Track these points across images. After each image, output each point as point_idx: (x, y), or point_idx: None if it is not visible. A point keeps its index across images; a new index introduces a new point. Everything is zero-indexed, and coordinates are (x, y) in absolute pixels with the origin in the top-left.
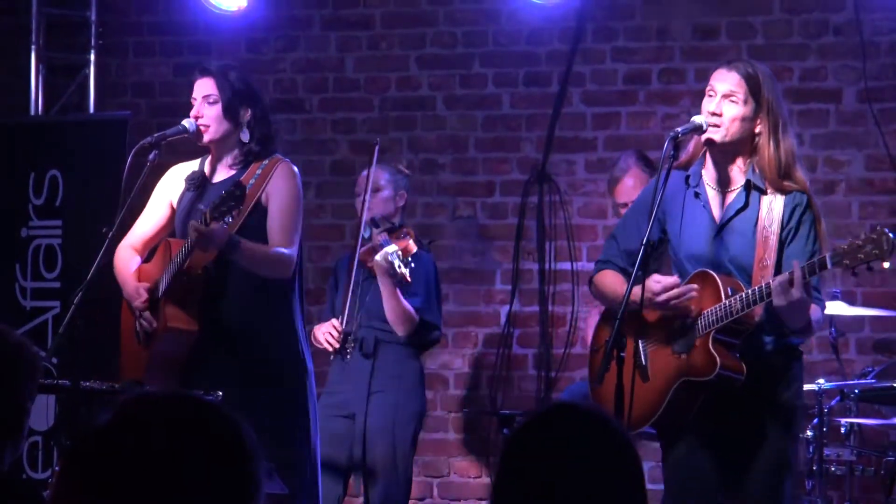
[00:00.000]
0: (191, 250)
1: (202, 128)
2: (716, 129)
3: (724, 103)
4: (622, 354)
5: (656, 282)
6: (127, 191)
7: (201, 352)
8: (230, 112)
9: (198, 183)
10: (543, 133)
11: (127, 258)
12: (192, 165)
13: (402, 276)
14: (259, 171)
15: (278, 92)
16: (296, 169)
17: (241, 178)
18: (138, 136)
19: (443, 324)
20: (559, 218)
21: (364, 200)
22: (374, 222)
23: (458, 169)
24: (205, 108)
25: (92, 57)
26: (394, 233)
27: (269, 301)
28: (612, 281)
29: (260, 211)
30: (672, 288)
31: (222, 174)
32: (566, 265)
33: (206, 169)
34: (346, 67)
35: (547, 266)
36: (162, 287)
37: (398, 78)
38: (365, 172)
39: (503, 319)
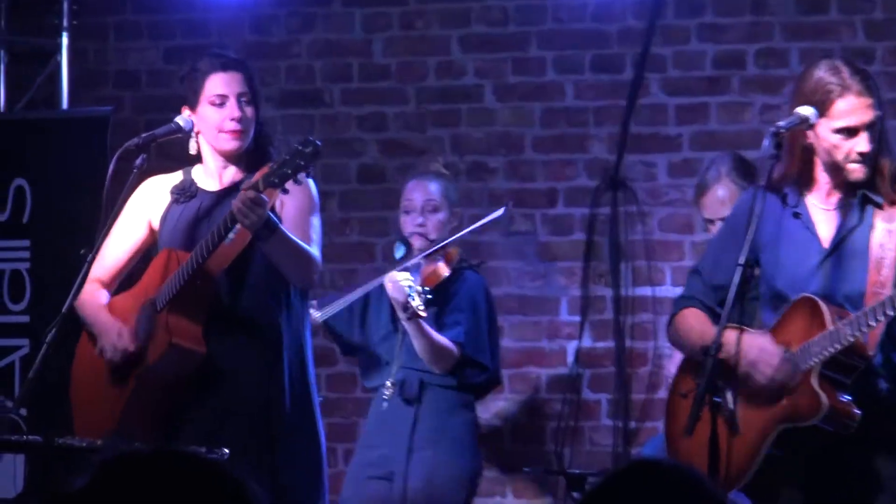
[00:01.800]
0: (219, 240)
1: (235, 133)
2: (859, 166)
3: (866, 137)
4: (717, 400)
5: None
6: (109, 203)
7: (197, 391)
8: (257, 114)
9: (191, 193)
10: (616, 129)
11: (92, 291)
12: (172, 178)
13: (414, 311)
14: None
15: (291, 82)
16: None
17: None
18: (122, 136)
19: (498, 357)
20: (636, 233)
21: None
22: (403, 240)
23: (512, 174)
24: (243, 107)
25: (64, 40)
26: (430, 253)
27: (286, 327)
28: (695, 323)
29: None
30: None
31: (222, 181)
32: (645, 291)
33: (197, 178)
34: (373, 51)
35: (622, 292)
36: (164, 297)
37: (437, 63)
38: (412, 183)
39: (570, 358)
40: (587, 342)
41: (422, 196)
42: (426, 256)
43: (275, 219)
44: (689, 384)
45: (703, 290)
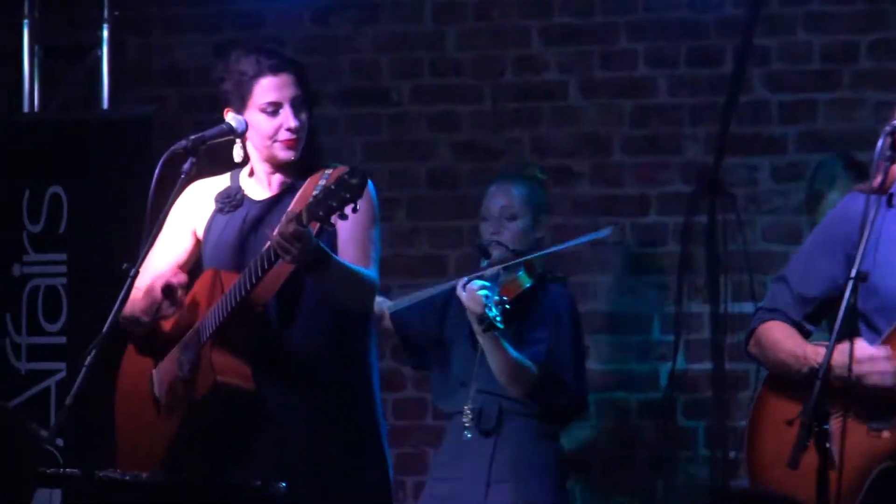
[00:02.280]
0: (267, 267)
1: (290, 142)
2: None
3: None
4: (826, 427)
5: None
6: (154, 213)
7: (251, 424)
8: (311, 116)
9: (236, 202)
10: (714, 129)
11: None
12: (218, 183)
13: (490, 322)
14: (322, 182)
15: (356, 78)
16: (369, 181)
17: (302, 194)
18: (168, 138)
19: (585, 378)
20: (736, 243)
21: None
22: (480, 248)
23: (599, 178)
24: (297, 114)
25: (105, 34)
26: (509, 265)
27: (344, 355)
28: (781, 337)
29: (327, 231)
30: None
31: (269, 191)
32: (746, 307)
33: (244, 185)
34: (446, 44)
35: (721, 309)
36: (208, 329)
37: (517, 57)
38: (493, 187)
39: (663, 381)
40: (682, 364)
41: (500, 202)
42: (505, 267)
43: (324, 249)
44: (779, 406)
45: (789, 303)
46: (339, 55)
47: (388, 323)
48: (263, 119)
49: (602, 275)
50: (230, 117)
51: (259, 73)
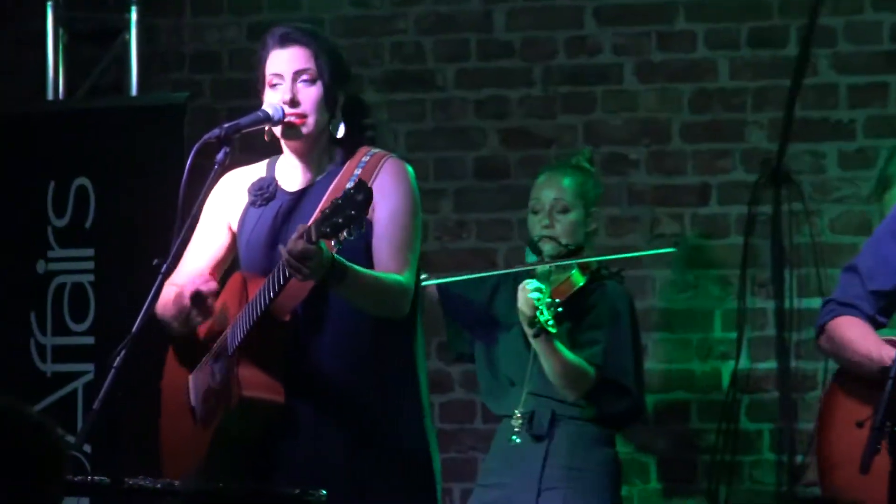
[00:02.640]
0: (284, 281)
1: (297, 118)
2: None
3: None
4: None
5: None
6: (186, 205)
7: (288, 432)
8: (330, 96)
9: (269, 194)
10: (778, 114)
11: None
12: (253, 172)
13: (542, 327)
14: (358, 171)
15: (398, 61)
16: (409, 168)
17: (336, 186)
18: (201, 127)
19: (643, 381)
20: (803, 235)
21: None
22: (532, 244)
23: (656, 167)
24: (301, 88)
25: (133, 16)
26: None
27: (382, 359)
28: (856, 336)
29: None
30: None
31: (304, 180)
32: (814, 303)
33: (279, 175)
34: (493, 25)
35: (787, 304)
36: (233, 340)
37: (568, 39)
38: (542, 178)
39: (725, 382)
40: (745, 363)
41: (551, 193)
42: (558, 265)
43: (341, 263)
44: (850, 406)
45: (861, 294)
46: (379, 37)
47: (433, 294)
48: (269, 94)
49: (659, 269)
50: (267, 104)
51: (270, 47)
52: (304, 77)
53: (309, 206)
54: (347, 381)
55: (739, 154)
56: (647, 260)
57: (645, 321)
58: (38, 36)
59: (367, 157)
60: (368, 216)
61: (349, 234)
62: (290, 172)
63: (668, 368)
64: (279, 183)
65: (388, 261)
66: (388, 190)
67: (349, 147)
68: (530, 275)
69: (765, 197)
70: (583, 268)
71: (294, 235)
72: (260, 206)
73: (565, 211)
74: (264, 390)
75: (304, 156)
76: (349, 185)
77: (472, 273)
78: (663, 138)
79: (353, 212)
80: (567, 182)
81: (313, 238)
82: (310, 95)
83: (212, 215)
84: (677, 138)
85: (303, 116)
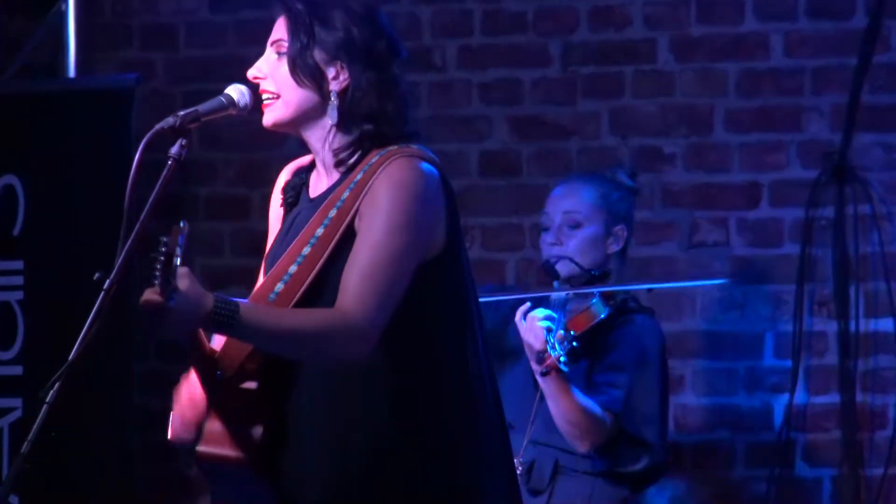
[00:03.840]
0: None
1: (268, 97)
2: None
3: None
4: None
5: None
6: (134, 208)
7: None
8: (303, 70)
9: (292, 199)
10: (842, 99)
11: None
12: (304, 165)
13: (552, 364)
14: (359, 177)
15: None
16: (422, 169)
17: (333, 196)
18: (153, 114)
19: (667, 435)
20: (871, 243)
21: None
22: (546, 266)
23: (696, 162)
24: (268, 61)
25: None
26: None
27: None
28: None
29: (353, 240)
30: None
31: (323, 184)
32: (886, 324)
33: (311, 174)
34: None
35: (853, 326)
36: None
37: (591, 9)
38: (563, 190)
39: (778, 418)
40: (802, 396)
41: (563, 205)
42: (576, 293)
43: (227, 306)
44: None
45: None
46: None
47: None
48: None
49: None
50: (232, 87)
51: (249, 14)
52: (274, 48)
53: (307, 220)
54: (331, 433)
55: (795, 147)
56: (686, 272)
57: (682, 346)
58: None
59: (377, 157)
60: (357, 225)
61: (174, 286)
62: (316, 175)
63: (709, 403)
64: (308, 186)
65: (346, 293)
66: (379, 200)
67: (357, 140)
68: (544, 301)
69: (826, 198)
70: (606, 297)
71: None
72: (287, 213)
73: (577, 226)
74: (223, 446)
75: (317, 154)
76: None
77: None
78: (704, 128)
79: (161, 256)
80: (584, 192)
81: (155, 282)
82: (277, 70)
83: (271, 221)
84: (721, 128)
85: (266, 98)
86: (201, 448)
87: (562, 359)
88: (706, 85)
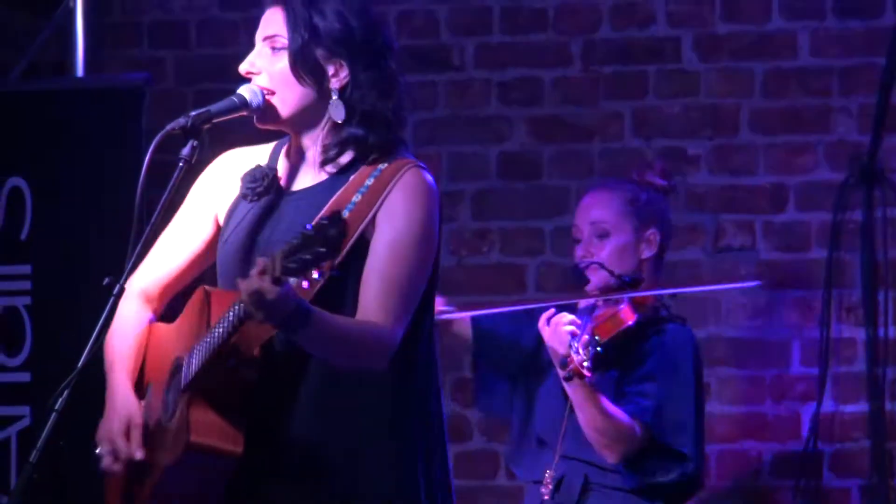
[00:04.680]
0: (239, 321)
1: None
2: None
3: None
4: None
5: None
6: (143, 211)
7: (248, 492)
8: (304, 67)
9: (262, 189)
10: (871, 100)
11: (128, 317)
12: (254, 156)
13: (576, 368)
14: (370, 182)
15: (406, 35)
16: (431, 180)
17: (339, 198)
18: (163, 115)
19: (703, 447)
20: None
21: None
22: (576, 272)
23: (721, 164)
24: (262, 57)
25: None
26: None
27: (377, 403)
28: None
29: (364, 251)
30: None
31: (307, 179)
32: None
33: (282, 166)
34: None
35: (882, 332)
36: (188, 370)
37: (613, 6)
38: (589, 199)
39: (805, 428)
40: (830, 405)
41: (591, 215)
42: (605, 299)
43: (307, 308)
44: None
45: None
46: (383, 6)
47: (464, 331)
48: None
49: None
50: (245, 87)
51: (262, 11)
52: (269, 43)
53: (300, 215)
54: (334, 443)
55: (823, 148)
56: (710, 276)
57: (708, 353)
58: None
59: (385, 165)
60: (370, 237)
61: (321, 275)
62: (294, 167)
63: (734, 412)
64: (279, 176)
65: (373, 303)
66: (397, 211)
67: (373, 144)
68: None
69: (854, 201)
70: (636, 304)
71: (254, 269)
72: (251, 200)
73: (606, 235)
74: (220, 438)
75: (303, 147)
76: (323, 218)
77: (495, 301)
78: (729, 129)
79: (322, 249)
80: (609, 200)
81: (276, 273)
82: (273, 66)
83: (197, 200)
84: (746, 129)
85: (269, 92)
86: (194, 438)
87: (585, 363)
88: (731, 85)
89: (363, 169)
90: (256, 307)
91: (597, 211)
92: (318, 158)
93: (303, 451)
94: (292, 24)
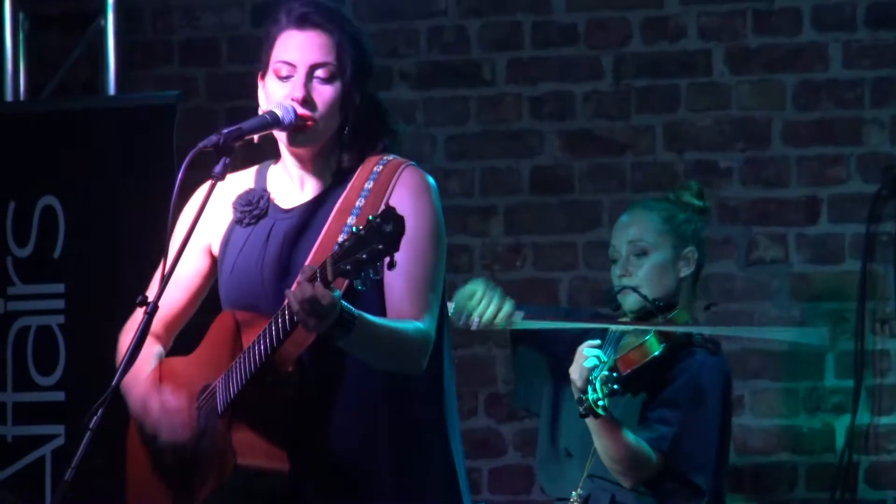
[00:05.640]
0: (287, 332)
1: (307, 120)
2: None
3: None
4: None
5: None
6: (176, 227)
7: None
8: (349, 98)
9: (259, 211)
10: None
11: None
12: (238, 183)
13: (589, 406)
14: (369, 185)
15: (436, 51)
16: (431, 180)
17: (342, 204)
18: (195, 132)
19: (722, 483)
20: None
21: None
22: (611, 298)
23: (753, 176)
24: (316, 86)
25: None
26: (648, 320)
27: (408, 418)
28: None
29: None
30: None
31: (305, 194)
32: None
33: (272, 187)
34: (552, 4)
35: None
36: (224, 394)
37: (644, 20)
38: (627, 219)
39: (840, 441)
40: (864, 417)
41: (628, 234)
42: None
43: (349, 310)
44: None
45: None
46: (414, 21)
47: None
48: (274, 85)
49: (757, 302)
50: (276, 104)
51: (283, 27)
52: (321, 73)
53: (310, 228)
54: (363, 443)
55: (855, 160)
56: (745, 289)
57: (741, 366)
58: None
59: (380, 167)
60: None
61: (375, 273)
62: (287, 185)
63: (769, 425)
64: (272, 197)
65: (404, 302)
66: (407, 209)
67: (357, 152)
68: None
69: (887, 212)
70: (664, 334)
71: (301, 276)
72: (248, 224)
73: (644, 254)
74: (264, 457)
75: (306, 166)
76: (378, 215)
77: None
78: (761, 142)
79: (380, 246)
80: (647, 218)
81: (329, 278)
82: (325, 96)
83: (188, 233)
84: (778, 141)
85: (313, 119)
86: (241, 461)
87: (600, 402)
88: (763, 97)
89: (359, 173)
90: (309, 314)
91: (635, 229)
92: (320, 173)
93: (347, 466)
94: (342, 53)
